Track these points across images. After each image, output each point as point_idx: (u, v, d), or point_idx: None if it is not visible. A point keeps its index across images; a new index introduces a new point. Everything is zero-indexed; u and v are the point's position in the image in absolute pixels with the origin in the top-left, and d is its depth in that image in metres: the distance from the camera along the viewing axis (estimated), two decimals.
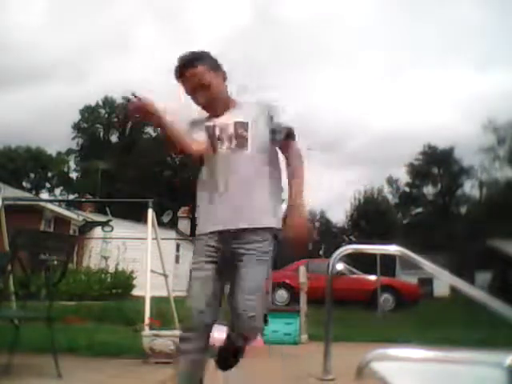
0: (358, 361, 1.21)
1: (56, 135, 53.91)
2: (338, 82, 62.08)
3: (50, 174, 44.74)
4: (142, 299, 5.11)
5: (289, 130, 2.11)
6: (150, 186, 31.83)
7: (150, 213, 5.32)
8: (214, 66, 2.14)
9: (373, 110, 59.85)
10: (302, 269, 6.98)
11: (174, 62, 2.11)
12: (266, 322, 2.06)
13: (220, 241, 2.02)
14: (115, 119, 44.74)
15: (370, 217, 37.15)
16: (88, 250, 15.95)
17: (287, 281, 12.05)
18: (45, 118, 53.26)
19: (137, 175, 35.94)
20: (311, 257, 13.24)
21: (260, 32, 56.52)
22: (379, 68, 62.01)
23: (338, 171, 56.40)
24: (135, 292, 11.87)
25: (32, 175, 43.70)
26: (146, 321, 4.52)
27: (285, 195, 2.11)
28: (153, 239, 5.26)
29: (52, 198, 41.17)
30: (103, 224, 15.93)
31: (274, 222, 2.04)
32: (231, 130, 2.06)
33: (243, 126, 2.06)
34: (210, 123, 2.11)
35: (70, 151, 45.78)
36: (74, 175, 45.93)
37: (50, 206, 15.40)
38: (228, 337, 2.15)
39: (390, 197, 41.94)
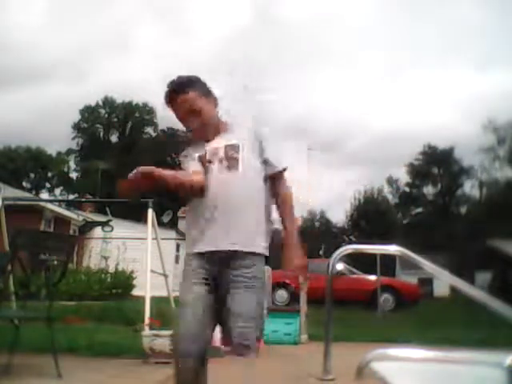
0: (358, 361, 1.21)
1: (56, 135, 53.87)
2: (338, 82, 62.04)
3: (50, 174, 44.75)
4: (142, 299, 5.12)
5: (282, 169, 2.11)
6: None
7: (150, 213, 5.33)
8: (206, 91, 2.13)
9: (373, 110, 59.81)
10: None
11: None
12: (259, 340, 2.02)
13: (210, 262, 1.98)
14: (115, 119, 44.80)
15: (370, 217, 37.11)
16: (88, 250, 15.95)
17: (287, 281, 12.05)
18: (45, 118, 53.28)
19: None
20: (311, 257, 13.24)
21: (260, 32, 56.53)
22: (379, 68, 62.01)
23: (338, 171, 56.34)
24: (135, 292, 11.87)
25: (32, 175, 43.71)
26: (146, 321, 4.53)
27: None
28: (153, 239, 5.27)
29: (52, 198, 41.21)
30: (103, 224, 15.94)
31: (265, 246, 2.03)
32: (221, 153, 2.05)
33: (234, 148, 2.04)
34: (202, 151, 2.09)
35: (69, 151, 45.83)
36: (74, 175, 46.04)
37: (50, 206, 15.41)
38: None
39: (390, 197, 41.92)
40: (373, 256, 11.07)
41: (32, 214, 13.50)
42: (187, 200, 2.10)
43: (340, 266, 11.21)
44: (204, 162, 2.07)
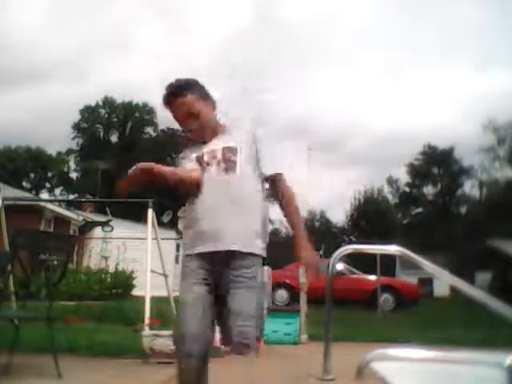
0: (358, 361, 1.21)
1: (56, 135, 53.83)
2: (338, 82, 61.97)
3: (50, 174, 44.75)
4: (142, 299, 5.12)
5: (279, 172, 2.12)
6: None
7: (150, 213, 5.33)
8: (204, 94, 2.14)
9: (373, 109, 59.72)
10: (302, 269, 6.98)
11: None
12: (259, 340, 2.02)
13: (210, 262, 1.98)
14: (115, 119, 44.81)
15: (370, 217, 37.10)
16: (88, 250, 15.95)
17: (287, 281, 12.06)
18: (45, 118, 53.23)
19: None
20: None
21: (260, 32, 56.42)
22: (379, 68, 61.95)
23: (338, 171, 56.25)
24: (135, 292, 11.86)
25: (32, 175, 43.71)
26: (146, 321, 4.53)
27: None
28: (153, 239, 5.27)
29: (52, 198, 41.21)
30: (103, 224, 15.93)
31: (263, 248, 2.03)
32: (219, 155, 2.06)
33: (231, 150, 2.05)
34: (199, 153, 2.10)
35: (69, 151, 45.81)
36: (74, 175, 46.01)
37: (50, 206, 15.41)
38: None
39: (390, 197, 41.91)
40: (373, 256, 11.07)
41: (32, 213, 13.50)
42: (186, 197, 2.10)
43: (340, 266, 11.20)
44: (201, 162, 2.08)
